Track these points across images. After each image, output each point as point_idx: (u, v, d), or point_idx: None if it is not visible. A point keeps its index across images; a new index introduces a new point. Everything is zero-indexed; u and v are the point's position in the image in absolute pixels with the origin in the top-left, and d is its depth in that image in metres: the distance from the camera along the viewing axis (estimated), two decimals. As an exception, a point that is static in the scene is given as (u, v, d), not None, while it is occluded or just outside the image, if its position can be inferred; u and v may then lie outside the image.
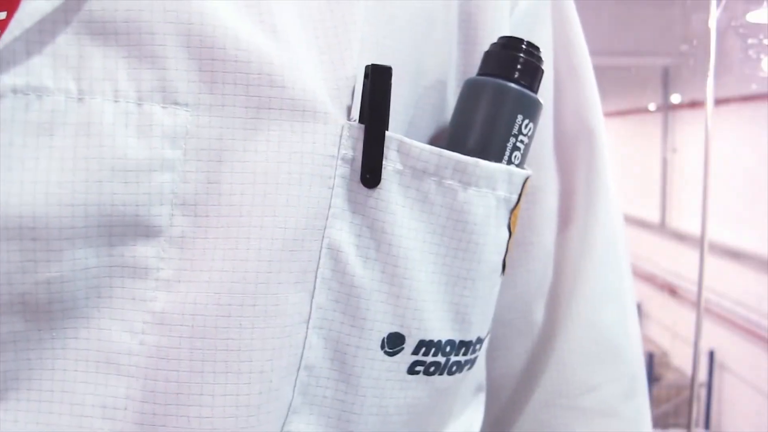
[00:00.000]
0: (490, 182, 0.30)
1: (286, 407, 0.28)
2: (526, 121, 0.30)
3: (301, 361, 0.28)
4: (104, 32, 0.26)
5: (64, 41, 0.26)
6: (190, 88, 0.26)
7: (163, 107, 0.26)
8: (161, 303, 0.26)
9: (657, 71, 3.91)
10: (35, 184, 0.25)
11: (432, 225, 0.29)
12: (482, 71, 0.31)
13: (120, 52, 0.26)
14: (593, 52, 0.38)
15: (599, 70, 0.39)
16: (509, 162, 0.30)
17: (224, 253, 0.27)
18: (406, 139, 0.28)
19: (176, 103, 0.26)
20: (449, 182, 0.29)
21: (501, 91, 0.30)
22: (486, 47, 0.32)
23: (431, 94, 0.32)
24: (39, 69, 0.25)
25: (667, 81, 3.97)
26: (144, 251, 0.26)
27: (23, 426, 0.26)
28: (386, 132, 0.28)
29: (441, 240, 0.29)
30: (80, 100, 0.25)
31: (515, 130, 0.30)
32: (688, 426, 1.42)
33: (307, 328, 0.28)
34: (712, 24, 1.25)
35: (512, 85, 0.30)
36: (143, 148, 0.26)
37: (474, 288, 0.31)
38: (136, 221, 0.26)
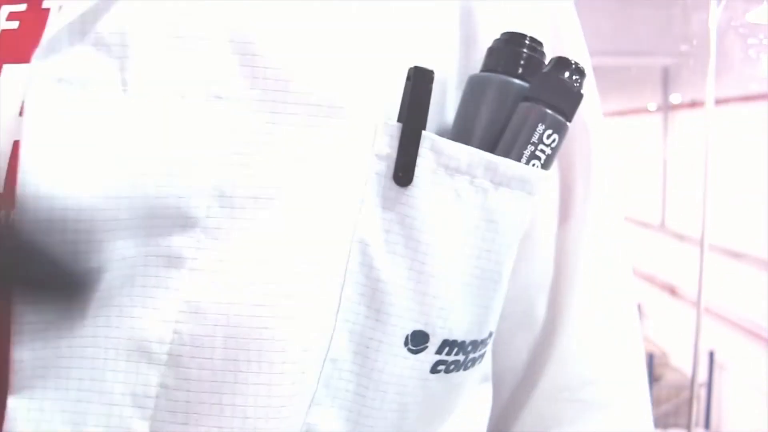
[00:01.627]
0: (523, 184, 0.30)
1: (310, 398, 0.29)
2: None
3: (327, 352, 0.28)
4: (149, 25, 0.26)
5: (107, 30, 0.26)
6: (232, 83, 0.26)
7: (206, 101, 0.26)
8: (196, 293, 0.27)
9: (657, 71, 3.91)
10: (81, 176, 0.25)
11: (463, 224, 0.29)
12: (486, 67, 0.31)
13: (167, 46, 0.26)
14: (593, 52, 0.38)
15: (599, 70, 0.39)
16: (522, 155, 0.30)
17: (259, 244, 0.27)
18: (439, 138, 0.29)
19: (219, 97, 0.26)
20: (480, 181, 0.29)
21: (505, 87, 0.30)
22: (487, 43, 0.31)
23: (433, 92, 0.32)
24: (82, 58, 0.25)
25: (667, 81, 3.97)
26: (180, 241, 0.26)
27: (50, 414, 0.26)
28: (423, 132, 0.28)
29: (472, 240, 0.29)
30: (124, 91, 0.26)
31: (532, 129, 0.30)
32: (688, 426, 1.42)
33: (336, 320, 0.28)
34: (712, 24, 1.25)
35: (516, 81, 0.30)
36: (186, 142, 0.26)
37: (502, 291, 0.31)
38: (176, 213, 0.26)
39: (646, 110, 4.28)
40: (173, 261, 0.26)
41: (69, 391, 0.26)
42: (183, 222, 0.26)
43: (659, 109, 4.14)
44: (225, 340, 0.27)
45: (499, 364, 0.39)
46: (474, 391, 0.35)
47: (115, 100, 0.25)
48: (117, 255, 0.26)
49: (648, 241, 3.97)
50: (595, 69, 0.38)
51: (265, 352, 0.27)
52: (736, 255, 3.17)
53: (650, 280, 3.77)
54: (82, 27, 0.25)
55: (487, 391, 0.37)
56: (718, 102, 1.30)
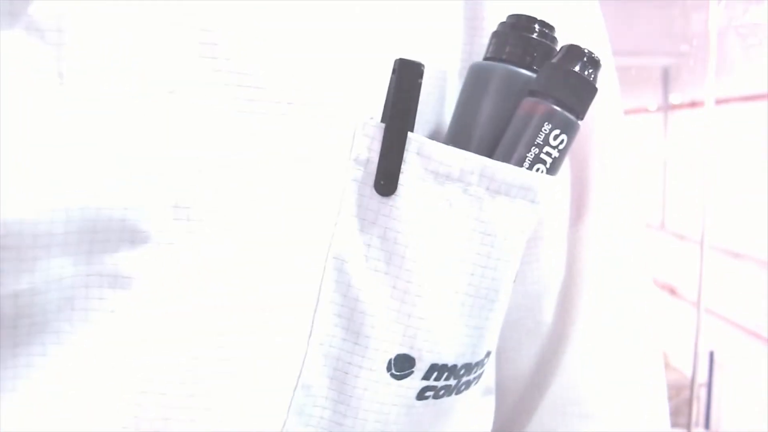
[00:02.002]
0: (525, 192, 0.26)
1: (279, 428, 0.26)
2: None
3: (299, 379, 0.26)
4: (91, 9, 0.22)
5: (41, 13, 0.22)
6: (187, 77, 0.24)
7: (155, 97, 0.23)
8: (145, 316, 0.24)
9: (657, 71, 3.91)
10: (7, 185, 0.21)
11: (454, 238, 0.26)
12: (489, 55, 0.28)
13: (111, 33, 0.23)
14: (593, 52, 0.38)
15: (599, 70, 0.38)
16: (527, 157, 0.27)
17: (218, 262, 0.24)
18: (428, 141, 0.26)
19: (171, 92, 0.23)
20: (475, 189, 0.26)
21: (510, 78, 0.27)
22: (494, 27, 0.29)
23: (430, 82, 0.29)
24: (12, 45, 0.22)
25: (667, 81, 3.96)
26: (127, 259, 0.23)
27: None
28: (408, 134, 0.25)
29: (465, 255, 0.26)
30: (61, 84, 0.22)
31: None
32: (688, 426, 1.42)
33: (308, 344, 0.26)
34: (712, 24, 1.25)
35: (523, 71, 0.27)
36: (131, 143, 0.23)
37: (500, 309, 0.29)
38: (122, 226, 0.23)
39: (646, 110, 4.28)
40: (120, 281, 0.23)
41: None
42: (131, 237, 0.23)
43: (659, 109, 4.13)
44: (179, 373, 0.24)
45: (504, 373, 0.36)
46: (475, 405, 0.33)
47: (49, 94, 0.22)
48: (53, 275, 0.22)
49: (648, 241, 3.96)
50: (595, 69, 0.37)
51: (223, 383, 0.24)
52: (736, 255, 3.16)
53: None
54: (11, 8, 0.22)
55: (489, 404, 0.35)
56: (718, 102, 1.30)
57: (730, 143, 2.88)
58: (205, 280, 0.24)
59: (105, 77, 0.23)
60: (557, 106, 0.26)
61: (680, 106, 3.98)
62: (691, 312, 1.36)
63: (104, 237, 0.23)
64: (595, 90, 0.27)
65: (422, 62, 0.25)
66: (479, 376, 0.31)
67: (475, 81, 0.28)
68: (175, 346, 0.24)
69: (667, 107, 4.08)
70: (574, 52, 0.26)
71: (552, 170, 0.27)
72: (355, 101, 0.26)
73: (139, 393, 0.24)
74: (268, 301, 0.25)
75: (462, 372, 0.28)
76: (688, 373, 2.42)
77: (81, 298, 0.23)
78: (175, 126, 0.23)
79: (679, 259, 3.50)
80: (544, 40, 0.27)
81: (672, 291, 3.61)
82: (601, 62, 0.27)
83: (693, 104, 3.57)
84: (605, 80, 0.35)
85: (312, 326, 0.26)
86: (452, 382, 0.28)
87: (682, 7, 2.07)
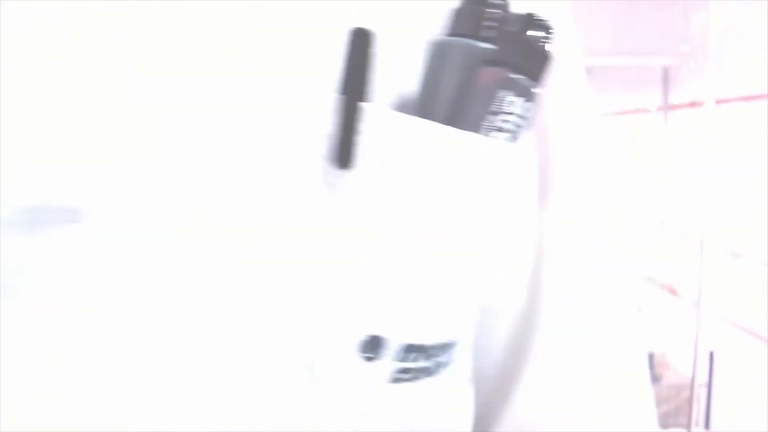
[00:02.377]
0: (486, 160, 0.26)
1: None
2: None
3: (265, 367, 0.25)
4: None
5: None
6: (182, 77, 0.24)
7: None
8: (70, 291, 0.23)
9: (657, 71, 3.91)
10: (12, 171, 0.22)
11: (416, 210, 0.25)
12: (448, 30, 0.28)
13: (109, 32, 0.23)
14: (593, 52, 0.38)
15: (599, 70, 0.38)
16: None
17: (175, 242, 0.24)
18: (384, 110, 0.25)
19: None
20: (435, 158, 0.25)
21: (468, 52, 0.27)
22: None
23: (403, 59, 0.28)
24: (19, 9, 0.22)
25: (667, 81, 3.96)
26: (62, 235, 0.23)
27: None
28: (361, 104, 0.25)
29: (430, 228, 0.26)
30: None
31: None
32: (688, 426, 1.42)
33: (274, 328, 0.25)
34: (712, 24, 1.25)
35: (480, 44, 0.27)
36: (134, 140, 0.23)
37: (472, 287, 0.28)
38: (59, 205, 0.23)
39: (646, 110, 4.28)
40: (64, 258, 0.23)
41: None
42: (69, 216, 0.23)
43: (659, 109, 4.14)
44: (175, 368, 0.24)
45: (479, 360, 0.35)
46: (454, 393, 0.33)
47: (62, 61, 0.22)
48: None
49: (648, 241, 3.96)
50: (595, 69, 0.37)
51: (203, 375, 0.24)
52: (736, 255, 3.16)
53: (650, 280, 3.77)
54: None
55: (469, 392, 0.34)
56: (718, 102, 1.30)
57: (730, 143, 2.88)
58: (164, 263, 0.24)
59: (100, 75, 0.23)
60: (512, 73, 0.26)
61: (680, 106, 3.98)
62: (691, 312, 1.36)
63: (45, 217, 0.23)
64: (549, 55, 0.27)
65: (373, 31, 0.25)
66: (454, 358, 0.30)
67: (434, 57, 0.28)
68: (172, 341, 0.24)
69: (667, 107, 4.08)
70: (527, 20, 0.27)
71: (513, 137, 0.27)
72: (326, 73, 0.26)
73: (141, 385, 0.24)
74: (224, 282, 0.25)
75: (434, 353, 0.28)
76: (688, 373, 2.42)
77: (24, 278, 0.23)
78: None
79: (679, 259, 3.50)
80: (502, 13, 0.27)
81: (672, 291, 3.60)
82: (554, 29, 0.27)
83: (693, 104, 3.57)
84: (568, 64, 0.34)
85: (279, 309, 0.25)
86: (425, 363, 0.27)
87: (682, 7, 2.08)
